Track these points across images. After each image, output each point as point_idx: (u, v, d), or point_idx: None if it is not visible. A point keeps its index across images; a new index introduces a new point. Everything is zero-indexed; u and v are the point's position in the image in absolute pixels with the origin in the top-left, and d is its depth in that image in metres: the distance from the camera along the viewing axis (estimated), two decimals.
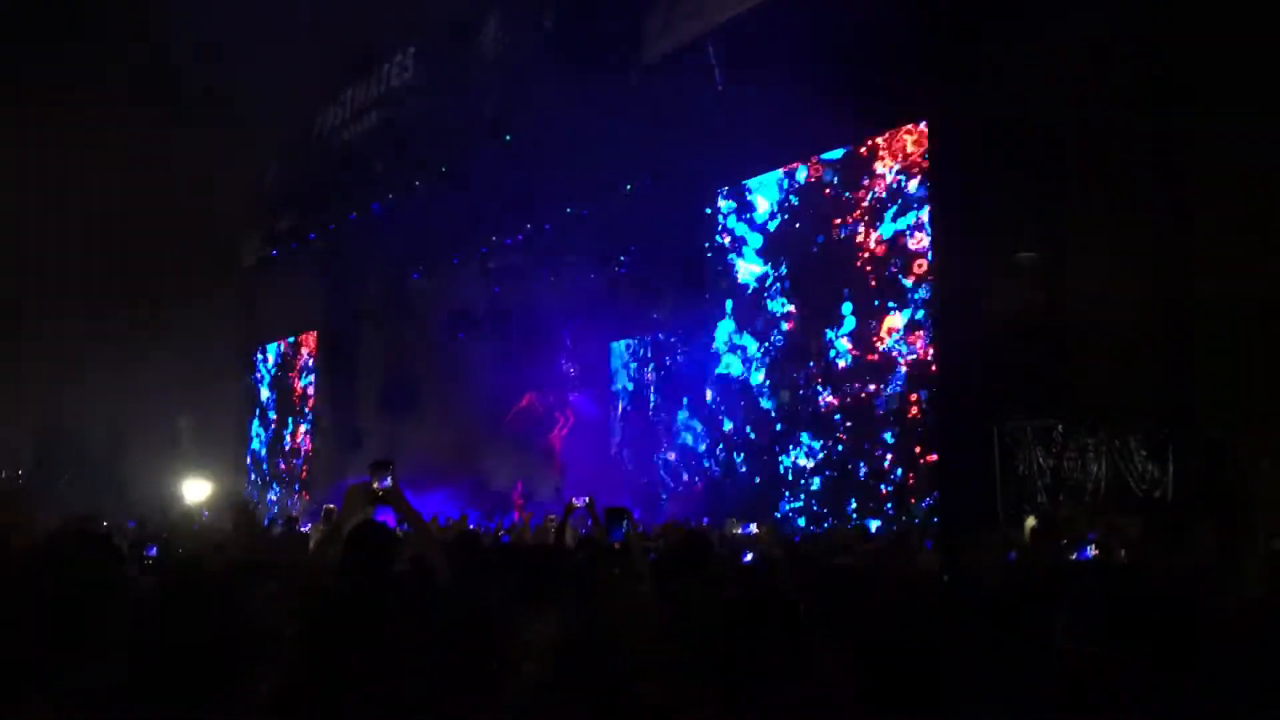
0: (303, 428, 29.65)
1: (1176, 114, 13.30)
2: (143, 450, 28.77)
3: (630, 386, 22.74)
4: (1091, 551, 3.28)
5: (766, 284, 18.09)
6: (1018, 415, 13.85)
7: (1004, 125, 14.40)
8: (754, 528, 9.33)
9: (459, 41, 18.76)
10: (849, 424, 16.41)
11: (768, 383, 17.92)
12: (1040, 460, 13.65)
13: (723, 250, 19.03)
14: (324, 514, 12.18)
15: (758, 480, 17.81)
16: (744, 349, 18.44)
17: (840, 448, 16.51)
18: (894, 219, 15.99)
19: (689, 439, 20.43)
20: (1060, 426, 13.75)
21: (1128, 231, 13.58)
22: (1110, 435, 13.81)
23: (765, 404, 17.93)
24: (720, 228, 19.11)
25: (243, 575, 3.59)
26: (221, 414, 31.47)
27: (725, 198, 19.05)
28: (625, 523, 4.69)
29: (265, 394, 31.50)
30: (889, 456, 15.79)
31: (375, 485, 4.01)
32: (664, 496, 20.53)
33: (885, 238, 16.05)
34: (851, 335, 16.46)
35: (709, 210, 19.30)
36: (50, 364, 26.20)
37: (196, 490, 25.72)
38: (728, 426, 18.61)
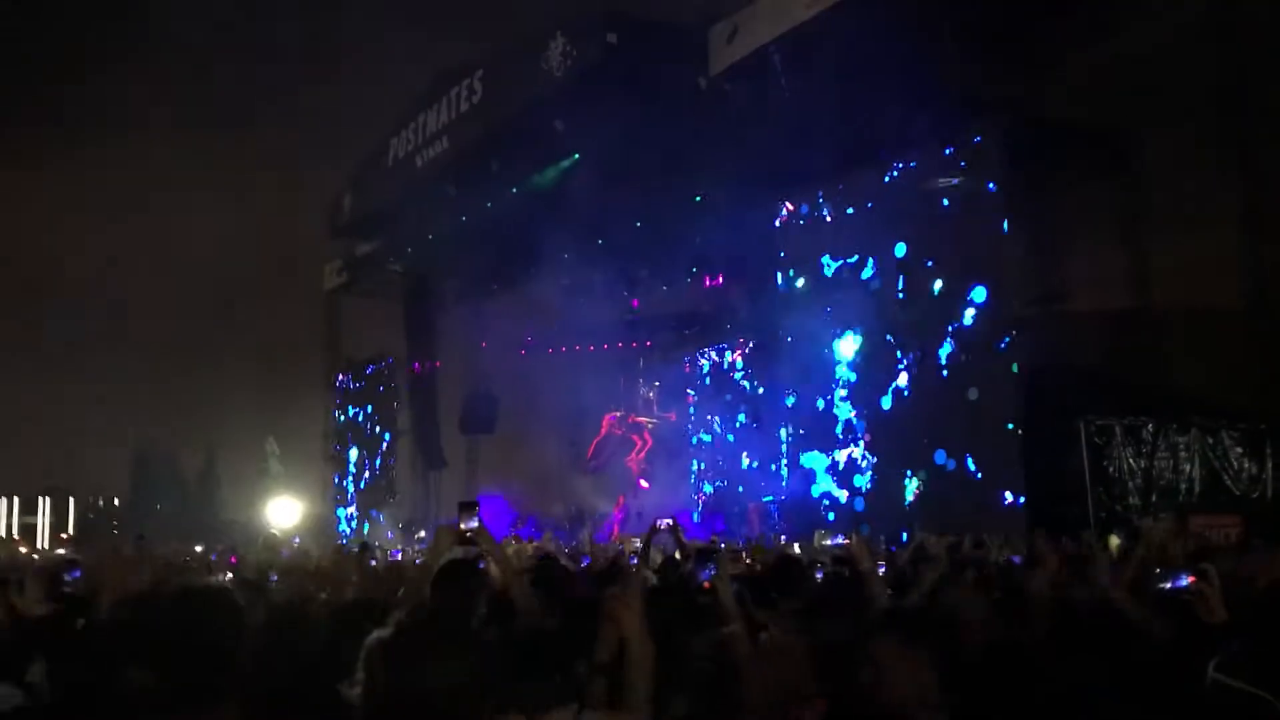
0: (385, 450, 30.10)
1: (1257, 112, 12.96)
2: (234, 474, 29.55)
3: (707, 405, 22.73)
4: (1187, 580, 3.14)
5: (846, 292, 17.89)
6: (1106, 414, 13.53)
7: (1080, 126, 14.16)
8: (843, 539, 9.15)
9: (525, 63, 18.94)
10: (935, 432, 16.10)
11: (844, 393, 17.71)
12: (1131, 461, 13.32)
13: (793, 261, 18.93)
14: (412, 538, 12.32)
15: (840, 496, 17.63)
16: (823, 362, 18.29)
17: (926, 455, 16.22)
18: (973, 221, 15.72)
19: (765, 457, 20.34)
20: (1150, 425, 13.42)
21: (1212, 228, 13.25)
22: (1203, 433, 13.46)
23: (842, 416, 17.73)
24: (790, 236, 19.02)
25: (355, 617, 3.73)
26: (309, 438, 32.13)
27: (794, 205, 18.93)
28: (714, 563, 4.69)
29: (348, 417, 32.03)
30: (977, 462, 15.46)
31: (462, 525, 4.18)
32: (748, 510, 20.45)
33: (965, 238, 15.80)
34: (935, 340, 16.18)
35: (776, 221, 19.20)
36: (146, 390, 27.06)
37: (284, 512, 26.29)
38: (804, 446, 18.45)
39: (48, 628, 4.27)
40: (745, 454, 21.34)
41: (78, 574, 5.54)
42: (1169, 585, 3.33)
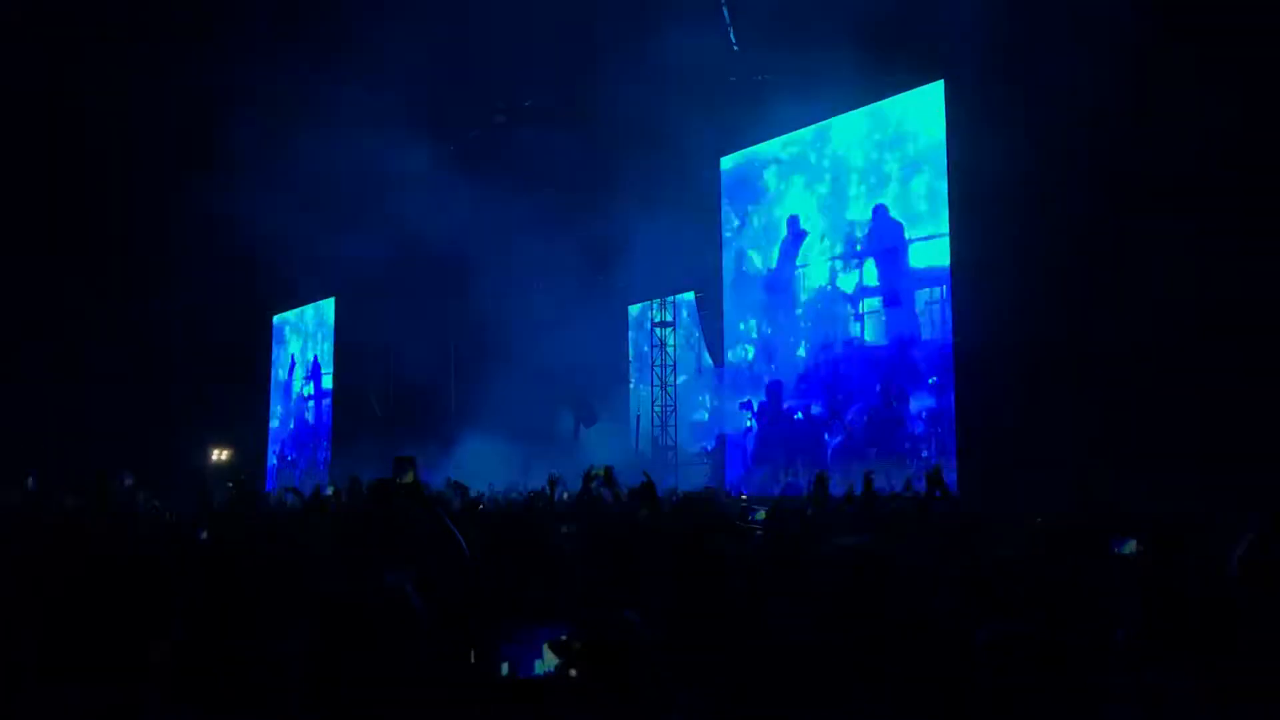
0: (321, 394, 29.73)
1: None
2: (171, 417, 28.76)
3: (646, 350, 22.62)
4: (1130, 546, 3.16)
5: (785, 253, 18.05)
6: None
7: (1020, 92, 13.71)
8: (761, 514, 9.08)
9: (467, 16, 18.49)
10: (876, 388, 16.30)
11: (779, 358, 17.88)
12: None
13: (738, 218, 19.06)
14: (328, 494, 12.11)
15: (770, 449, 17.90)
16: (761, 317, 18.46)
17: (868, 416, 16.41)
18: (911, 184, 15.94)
19: (705, 408, 20.54)
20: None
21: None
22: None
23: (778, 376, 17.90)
24: (732, 193, 19.14)
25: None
26: (247, 382, 31.45)
27: (734, 163, 19.06)
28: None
29: (288, 360, 31.57)
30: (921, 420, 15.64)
31: (397, 480, 4.22)
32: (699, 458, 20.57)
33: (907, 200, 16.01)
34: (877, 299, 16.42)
35: (718, 176, 19.29)
36: (81, 327, 26.18)
37: (220, 455, 26.15)
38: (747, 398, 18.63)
39: None
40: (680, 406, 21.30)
41: None
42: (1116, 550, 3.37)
